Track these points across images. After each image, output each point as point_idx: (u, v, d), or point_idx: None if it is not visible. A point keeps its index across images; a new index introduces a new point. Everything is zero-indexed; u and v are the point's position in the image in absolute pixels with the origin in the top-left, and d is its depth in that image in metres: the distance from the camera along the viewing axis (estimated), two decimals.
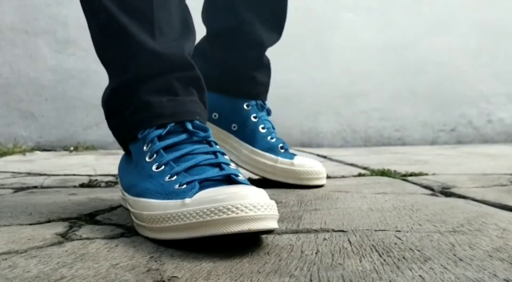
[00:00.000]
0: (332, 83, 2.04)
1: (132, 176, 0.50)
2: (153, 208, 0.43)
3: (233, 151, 0.83)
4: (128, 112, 0.53)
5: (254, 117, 0.84)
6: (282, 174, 0.80)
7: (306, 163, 0.82)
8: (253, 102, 0.84)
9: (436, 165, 1.09)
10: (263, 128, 0.84)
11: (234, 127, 0.83)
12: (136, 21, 0.53)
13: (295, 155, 0.83)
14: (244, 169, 0.82)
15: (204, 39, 0.88)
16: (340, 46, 2.05)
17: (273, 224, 0.39)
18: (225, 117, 0.83)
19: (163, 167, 0.46)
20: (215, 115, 0.83)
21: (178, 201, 0.41)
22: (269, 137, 0.83)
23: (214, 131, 0.79)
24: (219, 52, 0.85)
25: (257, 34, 0.85)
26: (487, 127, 2.11)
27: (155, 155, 0.48)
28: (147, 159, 0.48)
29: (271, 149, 0.83)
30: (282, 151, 0.83)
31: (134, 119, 0.52)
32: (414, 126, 2.08)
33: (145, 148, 0.49)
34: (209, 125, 0.81)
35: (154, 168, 0.47)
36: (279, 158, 0.81)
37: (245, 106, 0.84)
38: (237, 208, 0.37)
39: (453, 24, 2.09)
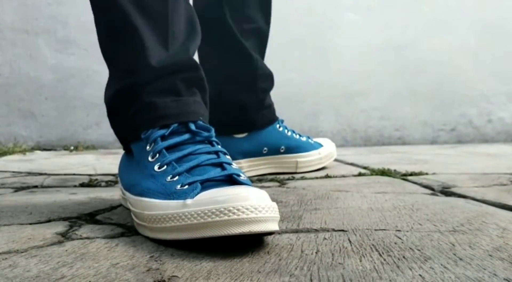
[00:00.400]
0: (332, 83, 2.04)
1: (134, 175, 0.50)
2: (154, 208, 0.42)
3: (290, 166, 0.96)
4: (131, 113, 0.53)
5: (287, 131, 0.98)
6: (325, 160, 1.01)
7: (327, 142, 1.05)
8: (279, 121, 0.98)
9: (436, 165, 1.09)
10: (295, 134, 0.99)
11: (282, 149, 0.96)
12: (152, 22, 0.52)
13: (312, 139, 1.02)
14: (301, 173, 0.95)
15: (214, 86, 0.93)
16: (340, 46, 2.05)
17: (274, 226, 0.39)
18: (273, 146, 0.95)
19: (165, 167, 0.46)
20: (265, 150, 0.95)
21: (180, 202, 0.41)
22: (303, 139, 1.00)
23: (268, 162, 0.95)
24: (240, 95, 0.94)
25: (265, 66, 0.94)
26: (487, 127, 2.11)
27: (157, 155, 0.47)
28: (149, 159, 0.48)
29: (310, 146, 0.99)
30: (312, 142, 1.01)
31: (138, 120, 0.52)
32: (414, 126, 2.08)
33: (148, 147, 0.49)
34: (260, 159, 0.94)
35: (156, 167, 0.46)
36: (319, 150, 0.99)
37: (278, 128, 0.97)
38: (238, 209, 0.37)
39: (453, 24, 2.09)
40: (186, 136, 0.49)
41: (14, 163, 1.29)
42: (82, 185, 0.83)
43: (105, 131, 1.90)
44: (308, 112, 2.02)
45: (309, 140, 1.01)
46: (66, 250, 0.39)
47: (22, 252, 0.39)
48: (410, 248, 0.39)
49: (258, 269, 0.34)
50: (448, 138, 2.09)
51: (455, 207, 0.56)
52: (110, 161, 1.27)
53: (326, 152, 1.01)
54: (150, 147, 0.49)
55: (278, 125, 0.97)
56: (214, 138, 0.50)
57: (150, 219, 0.42)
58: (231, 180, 0.43)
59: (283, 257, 0.37)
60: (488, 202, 0.60)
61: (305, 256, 0.37)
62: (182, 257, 0.37)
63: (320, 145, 1.01)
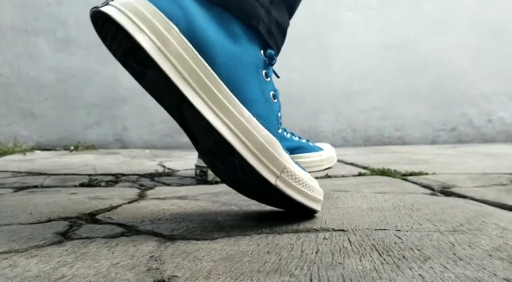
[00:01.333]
0: (332, 82, 2.04)
1: (253, 84, 0.46)
2: (293, 167, 0.46)
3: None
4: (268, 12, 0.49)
5: (286, 133, 0.99)
6: (326, 163, 1.02)
7: (328, 146, 1.06)
8: None
9: (436, 164, 1.09)
10: (295, 136, 1.00)
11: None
12: None
13: (313, 143, 1.04)
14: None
15: None
16: (340, 45, 2.05)
17: None
18: None
19: (279, 114, 0.48)
20: None
21: (307, 174, 0.49)
22: (302, 140, 1.01)
23: None
24: None
25: None
26: (487, 127, 2.11)
27: (276, 100, 0.48)
28: (267, 84, 0.47)
29: (311, 148, 1.00)
30: (312, 144, 1.02)
31: (274, 30, 0.49)
32: (414, 126, 2.08)
33: (262, 55, 0.47)
34: None
35: (275, 109, 0.47)
36: (320, 152, 1.01)
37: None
38: None
39: (453, 23, 2.09)
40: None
41: (14, 162, 1.29)
42: (82, 185, 0.83)
43: (105, 131, 1.91)
44: (308, 112, 2.03)
45: (309, 143, 1.02)
46: (66, 250, 0.40)
47: (22, 252, 0.39)
48: (410, 248, 0.39)
49: (258, 269, 0.34)
50: (448, 138, 2.09)
51: (455, 207, 0.56)
52: (110, 161, 1.27)
53: (327, 154, 1.02)
54: (264, 62, 0.47)
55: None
56: None
57: (286, 172, 0.45)
58: None
59: (283, 256, 0.37)
60: (487, 202, 0.60)
61: (305, 256, 0.37)
62: (182, 256, 0.37)
63: (321, 149, 1.02)
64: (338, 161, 1.20)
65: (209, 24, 0.44)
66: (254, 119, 0.44)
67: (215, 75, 0.43)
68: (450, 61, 2.09)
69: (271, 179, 0.44)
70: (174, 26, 0.42)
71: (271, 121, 0.46)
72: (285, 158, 0.45)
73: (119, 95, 1.92)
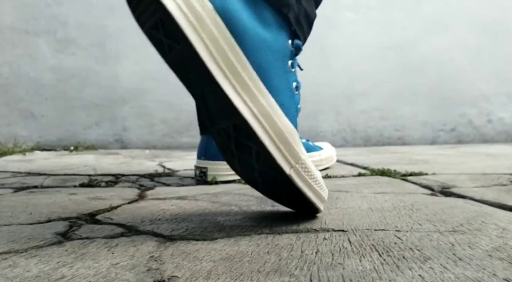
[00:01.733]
0: (332, 83, 2.04)
1: (278, 69, 0.46)
2: (307, 162, 0.45)
3: None
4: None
5: None
6: (325, 162, 1.01)
7: (328, 146, 1.06)
8: None
9: (436, 165, 1.09)
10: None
11: None
12: None
13: (312, 142, 1.03)
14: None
15: None
16: (340, 45, 2.05)
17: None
18: None
19: (299, 107, 0.48)
20: None
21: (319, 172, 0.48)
22: (302, 140, 1.00)
23: None
24: None
25: None
26: (487, 127, 2.11)
27: (297, 92, 0.47)
28: (293, 88, 0.47)
29: (310, 147, 0.99)
30: (312, 144, 1.01)
31: (301, 18, 0.50)
32: (414, 126, 2.09)
33: (289, 43, 0.47)
34: None
35: (292, 102, 0.46)
36: (320, 152, 1.00)
37: None
38: None
39: (453, 23, 2.09)
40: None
41: (14, 163, 1.29)
42: (82, 185, 0.83)
43: (105, 131, 1.91)
44: (308, 112, 2.03)
45: (309, 142, 1.02)
46: (66, 250, 0.40)
47: (22, 252, 0.39)
48: (410, 248, 0.39)
49: (258, 269, 0.34)
50: (448, 139, 2.09)
51: (455, 207, 0.56)
52: (109, 161, 1.27)
53: (326, 154, 1.02)
54: (291, 53, 0.47)
55: None
56: None
57: (301, 163, 0.44)
58: None
59: (283, 257, 0.37)
60: (487, 202, 0.60)
61: (305, 256, 0.37)
62: (182, 256, 0.37)
63: (320, 148, 1.02)
64: (338, 161, 1.20)
65: (242, 7, 0.44)
66: (277, 106, 0.44)
67: (244, 58, 0.43)
68: (450, 61, 2.09)
69: (286, 168, 0.43)
70: (209, 3, 0.42)
71: (291, 112, 0.45)
72: (302, 149, 0.45)
73: (119, 95, 1.92)
